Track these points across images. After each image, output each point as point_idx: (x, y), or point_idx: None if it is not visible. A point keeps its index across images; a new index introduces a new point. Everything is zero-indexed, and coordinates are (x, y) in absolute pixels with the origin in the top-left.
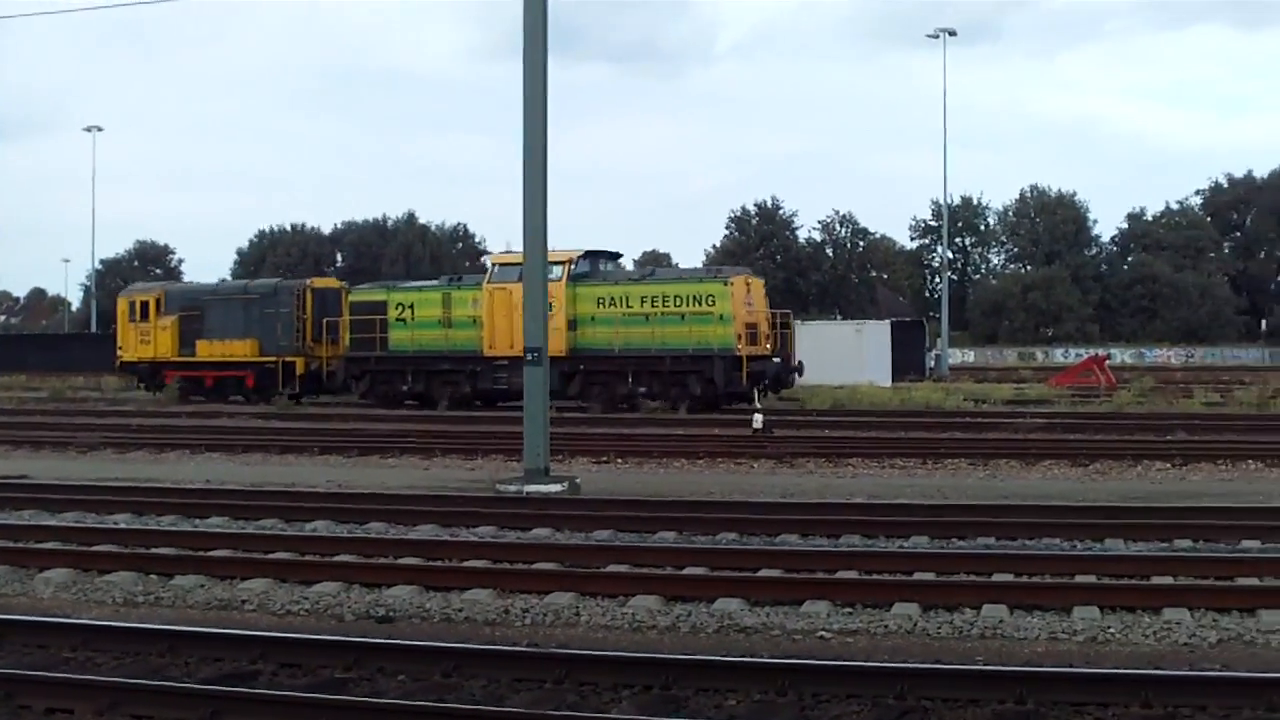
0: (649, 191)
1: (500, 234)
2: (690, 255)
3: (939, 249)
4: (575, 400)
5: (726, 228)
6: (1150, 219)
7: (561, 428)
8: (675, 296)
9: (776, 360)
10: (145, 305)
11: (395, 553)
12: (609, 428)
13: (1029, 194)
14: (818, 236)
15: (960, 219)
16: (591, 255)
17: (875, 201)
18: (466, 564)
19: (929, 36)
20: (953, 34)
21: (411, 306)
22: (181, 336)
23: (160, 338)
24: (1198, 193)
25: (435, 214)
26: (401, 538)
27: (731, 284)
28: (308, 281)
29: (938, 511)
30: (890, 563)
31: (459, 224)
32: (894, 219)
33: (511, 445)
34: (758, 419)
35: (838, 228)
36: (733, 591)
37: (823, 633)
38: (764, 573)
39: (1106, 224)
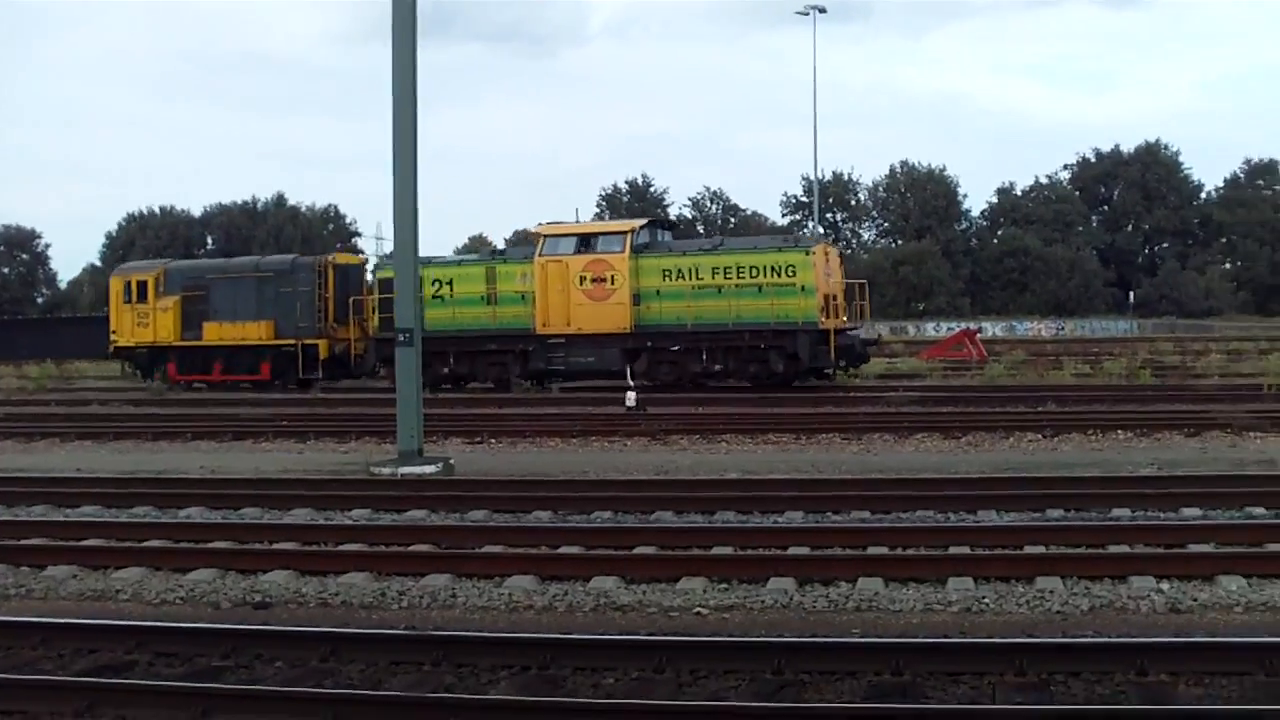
0: (520, 171)
1: (372, 215)
2: None
3: (810, 224)
4: (643, 381)
5: (597, 205)
6: (1019, 193)
7: (434, 409)
8: (752, 267)
9: (856, 333)
10: (143, 285)
11: (270, 538)
12: (482, 408)
13: (899, 169)
14: (689, 213)
15: (831, 194)
16: (651, 225)
17: (747, 178)
18: (342, 548)
19: (799, 14)
20: (822, 11)
21: (450, 282)
22: (184, 318)
23: (160, 320)
24: (1066, 167)
25: (306, 196)
26: (276, 522)
27: (813, 253)
28: (329, 256)
29: (811, 486)
30: (765, 538)
31: (330, 205)
32: (766, 195)
33: (385, 427)
34: (630, 397)
35: (709, 204)
36: (608, 570)
37: (699, 609)
38: (639, 550)
39: (976, 199)
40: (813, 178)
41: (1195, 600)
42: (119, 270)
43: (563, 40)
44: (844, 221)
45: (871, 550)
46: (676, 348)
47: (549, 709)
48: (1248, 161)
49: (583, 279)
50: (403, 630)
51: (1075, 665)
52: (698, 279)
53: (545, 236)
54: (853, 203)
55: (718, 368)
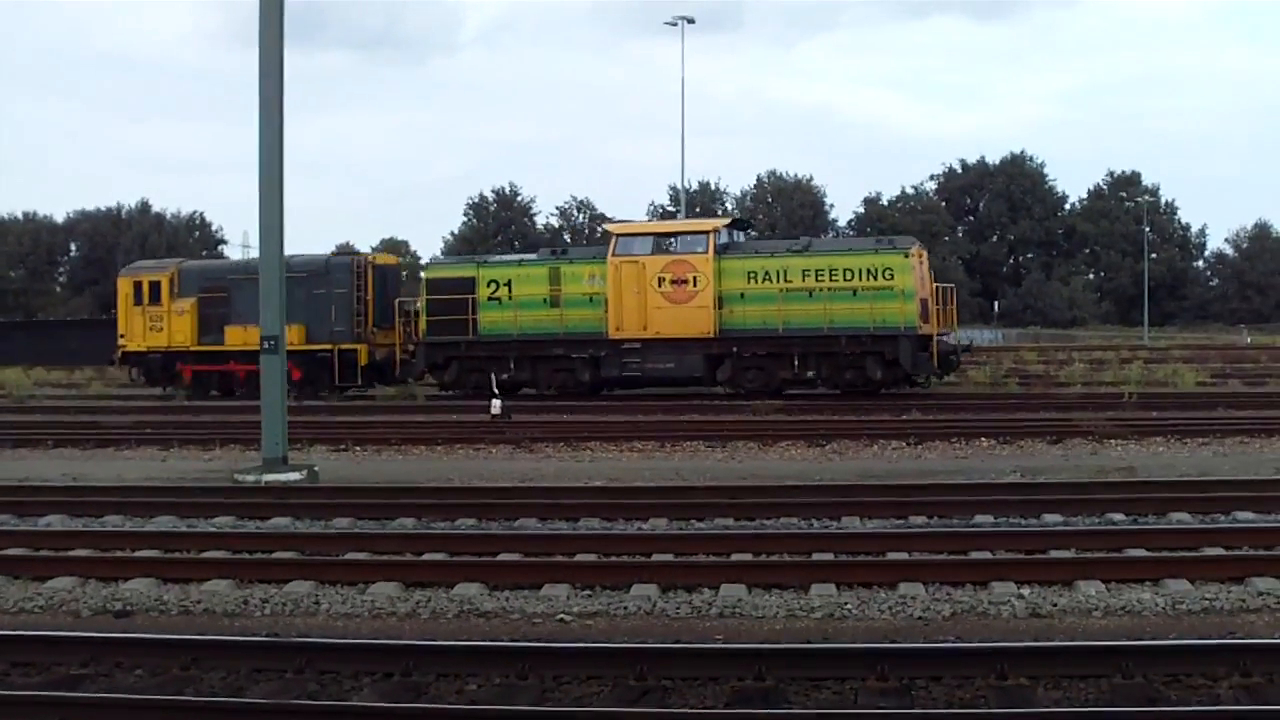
0: (389, 180)
1: (239, 222)
2: (428, 242)
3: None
4: (723, 388)
5: (465, 214)
6: (886, 204)
7: (299, 416)
8: (846, 270)
9: (945, 338)
10: (155, 286)
11: (132, 546)
12: (348, 415)
13: (766, 179)
14: (556, 222)
15: (698, 204)
16: (731, 225)
17: (615, 187)
18: (205, 555)
19: (667, 24)
20: (691, 21)
21: (509, 284)
22: (202, 322)
23: (175, 324)
24: (932, 178)
25: (170, 202)
26: (139, 530)
27: (911, 255)
28: (367, 256)
29: (676, 493)
30: (629, 545)
31: (196, 212)
32: (633, 204)
33: (249, 435)
34: (495, 404)
35: (575, 213)
36: (472, 576)
37: (563, 615)
38: (503, 557)
39: (843, 209)
40: (680, 187)
41: (1055, 605)
42: (128, 270)
43: (434, 47)
44: None
45: (735, 557)
46: (765, 353)
47: (411, 716)
48: (1111, 173)
49: (661, 280)
50: (265, 638)
51: (936, 670)
52: (786, 281)
53: (618, 235)
54: (719, 212)
55: (810, 374)
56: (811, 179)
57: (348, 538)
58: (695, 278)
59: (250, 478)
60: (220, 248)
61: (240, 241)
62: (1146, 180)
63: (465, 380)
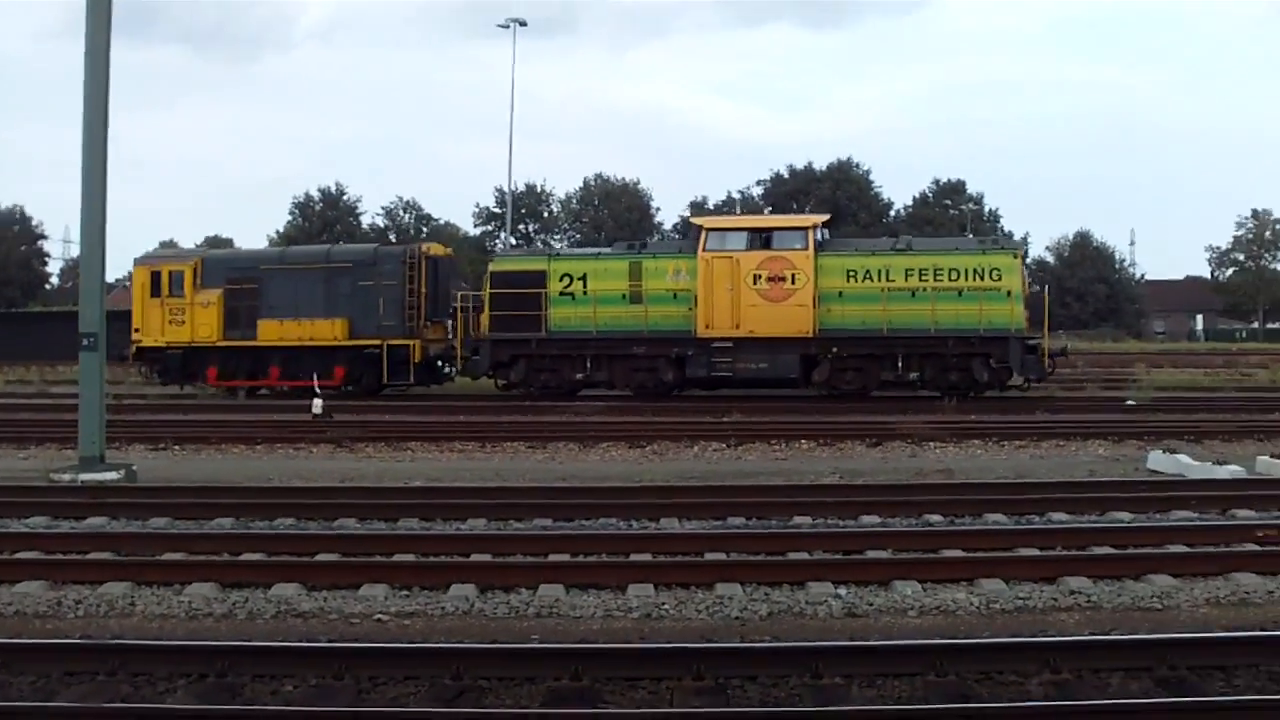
0: (217, 177)
1: (60, 219)
2: (254, 241)
3: (502, 235)
4: (820, 389)
5: (290, 213)
6: (712, 207)
7: (118, 414)
8: (951, 269)
9: (1037, 342)
10: (177, 276)
11: None
12: (168, 414)
13: (593, 182)
14: (382, 222)
15: (524, 206)
16: (827, 222)
17: (443, 188)
18: (17, 556)
19: (500, 26)
20: (523, 24)
21: (583, 278)
22: (229, 315)
23: (200, 317)
24: (759, 183)
25: None
26: None
27: (1018, 255)
28: (421, 246)
29: (495, 494)
30: (447, 545)
31: (15, 206)
32: (460, 205)
33: (66, 433)
34: (317, 404)
35: (402, 214)
36: (290, 576)
37: (380, 615)
38: (321, 557)
39: (670, 212)
40: (506, 189)
41: (871, 605)
42: (144, 259)
43: (266, 44)
44: (536, 233)
45: (553, 557)
46: (865, 354)
47: (226, 717)
48: (936, 181)
49: (757, 278)
50: (78, 640)
51: (752, 669)
52: (888, 280)
53: (709, 230)
54: (545, 214)
55: (914, 376)
56: (639, 182)
57: (165, 538)
58: (794, 275)
59: (66, 477)
60: (40, 243)
61: (62, 236)
62: (971, 189)
63: (534, 379)
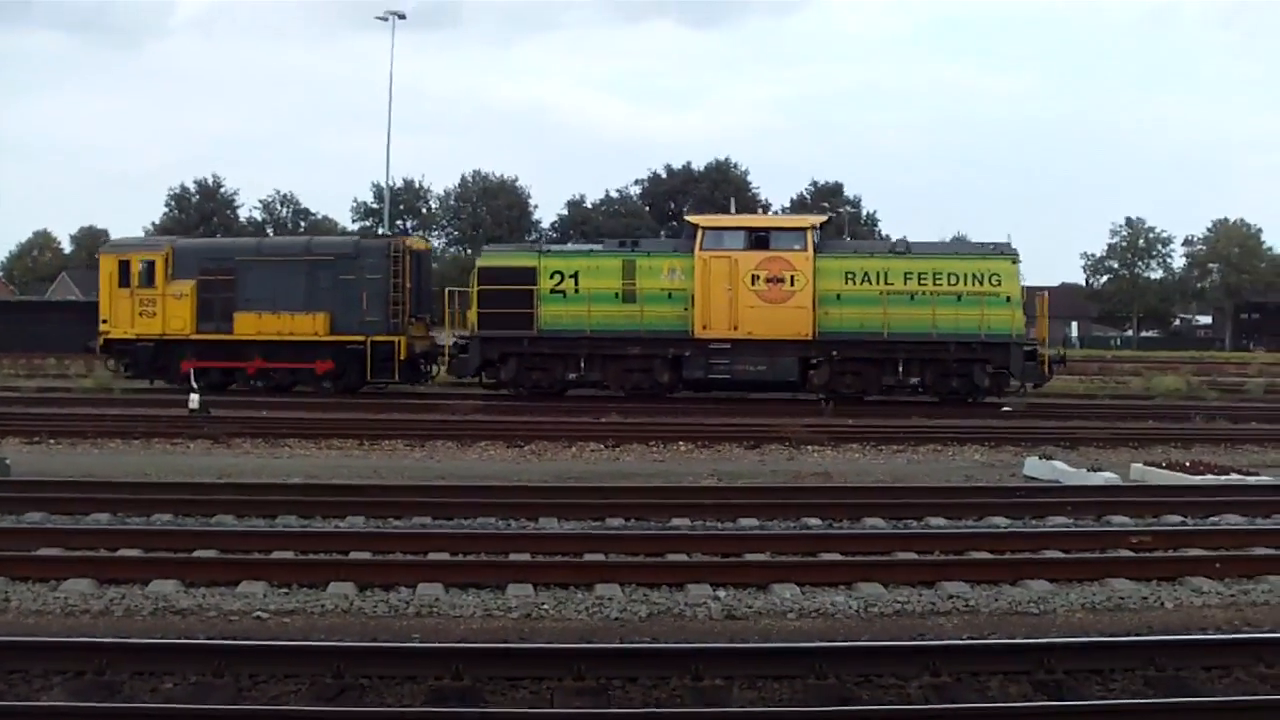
0: (93, 166)
1: None
2: (129, 233)
3: (380, 230)
4: (818, 394)
5: (166, 205)
6: (590, 206)
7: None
8: (950, 274)
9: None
10: (148, 266)
11: None
12: (43, 407)
13: (470, 178)
14: (259, 216)
15: (402, 201)
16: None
17: (321, 182)
18: None
19: (378, 19)
20: (402, 17)
21: (575, 275)
22: (202, 307)
23: (172, 309)
24: (637, 182)
25: None
26: None
27: (1019, 261)
28: (404, 239)
29: (374, 491)
30: (326, 542)
31: None
32: (338, 200)
33: None
34: (194, 399)
35: (279, 207)
36: (168, 573)
37: (259, 613)
38: (199, 554)
39: (548, 209)
40: (384, 184)
41: (750, 607)
42: (110, 247)
43: (146, 32)
44: (414, 229)
45: (433, 556)
46: (865, 358)
47: (102, 716)
48: (814, 183)
49: (755, 278)
50: None
51: (633, 670)
52: (887, 283)
53: (705, 229)
54: (424, 210)
55: (914, 380)
56: (517, 179)
57: (39, 532)
58: (793, 276)
59: None
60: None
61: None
62: (849, 192)
63: (524, 379)
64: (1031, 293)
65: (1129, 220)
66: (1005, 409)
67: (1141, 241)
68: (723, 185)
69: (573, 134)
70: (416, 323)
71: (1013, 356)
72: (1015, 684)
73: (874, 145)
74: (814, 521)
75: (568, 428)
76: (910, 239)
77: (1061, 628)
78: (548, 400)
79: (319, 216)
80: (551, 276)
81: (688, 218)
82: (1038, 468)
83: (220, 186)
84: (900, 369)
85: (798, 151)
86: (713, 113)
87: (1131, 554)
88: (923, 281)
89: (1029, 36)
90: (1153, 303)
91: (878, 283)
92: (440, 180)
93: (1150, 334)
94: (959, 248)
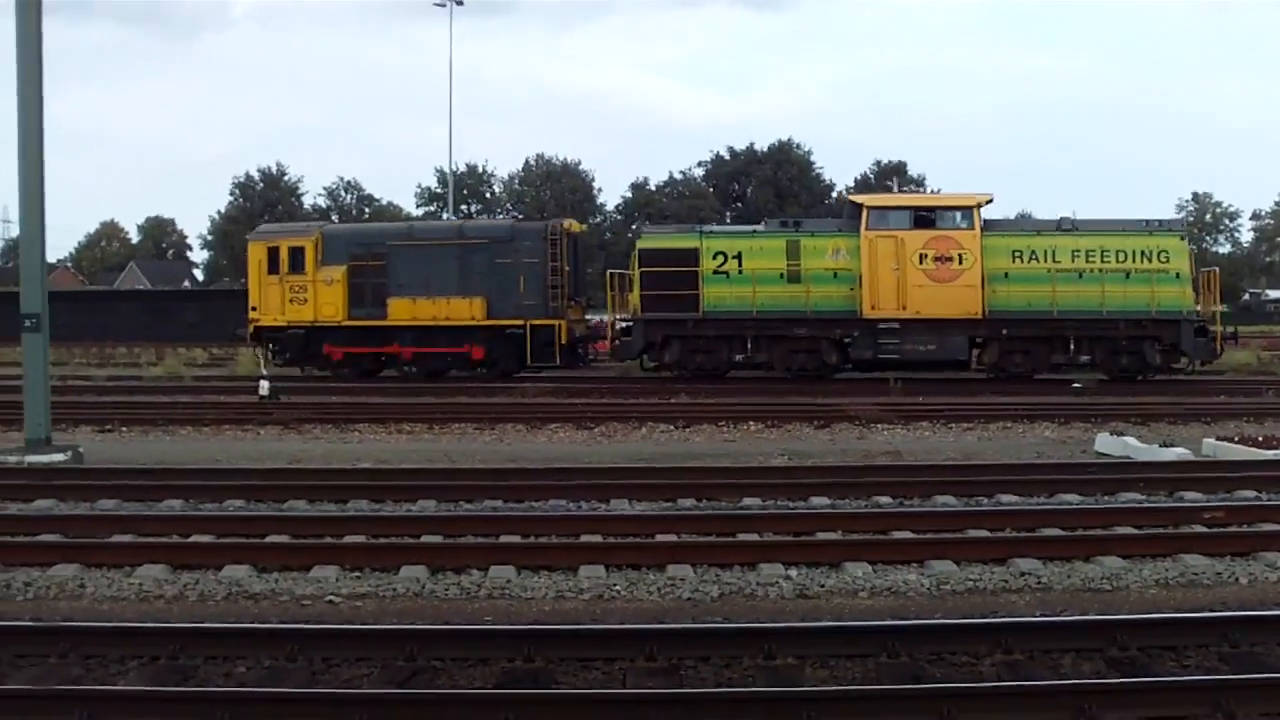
0: (155, 156)
1: None
2: (194, 222)
3: (444, 216)
4: (988, 372)
5: (230, 194)
6: (654, 188)
7: (63, 396)
8: (1119, 251)
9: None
10: (297, 252)
11: None
12: (114, 395)
13: (534, 162)
14: (324, 203)
15: (466, 186)
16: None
17: (383, 169)
18: None
19: (436, 5)
20: (460, 3)
21: (738, 256)
22: (353, 293)
23: (323, 295)
24: (700, 164)
25: None
26: None
27: (1186, 237)
28: (562, 222)
29: (444, 475)
30: (397, 526)
31: None
32: (401, 186)
33: (11, 415)
34: (264, 385)
35: (343, 194)
36: (240, 558)
37: (331, 597)
38: (271, 539)
39: (611, 192)
40: (448, 169)
41: (822, 586)
42: (258, 233)
43: (205, 24)
44: (479, 214)
45: (504, 538)
46: (1033, 336)
47: (179, 699)
48: (877, 163)
49: (923, 257)
50: (28, 622)
51: (704, 650)
52: (1054, 261)
53: (870, 208)
54: (488, 195)
55: (1084, 358)
56: (580, 163)
57: (113, 519)
58: (961, 255)
59: (12, 459)
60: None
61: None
62: (913, 170)
63: (688, 361)
64: (1201, 269)
65: (1195, 195)
66: (1075, 386)
67: (1209, 216)
68: (785, 166)
69: (633, 117)
70: (574, 306)
71: (1183, 333)
72: (1088, 661)
73: (936, 124)
74: (885, 500)
75: (637, 409)
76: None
77: (1134, 604)
78: (707, 383)
79: (383, 202)
80: (714, 257)
81: (851, 197)
82: (1109, 444)
83: (284, 174)
84: (1070, 347)
85: (859, 131)
86: (773, 94)
87: (1204, 530)
88: (1090, 259)
89: (1091, 13)
90: (1221, 277)
91: (1045, 260)
92: (504, 164)
93: (1217, 309)
94: (1126, 225)
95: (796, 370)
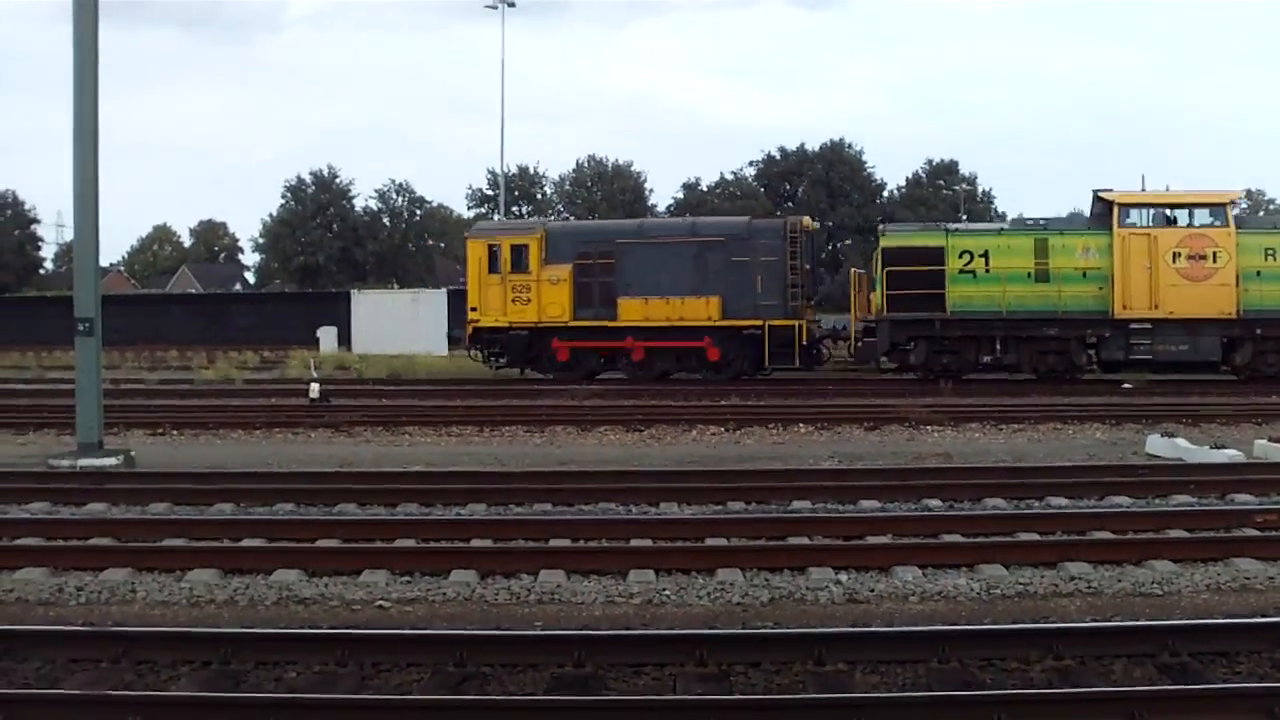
0: (208, 160)
1: (53, 203)
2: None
3: (496, 217)
4: (1239, 374)
5: (282, 197)
6: (705, 189)
7: (116, 399)
8: None
9: None
10: (520, 250)
11: None
12: (165, 399)
13: (586, 163)
14: (375, 205)
15: (517, 188)
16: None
17: (435, 171)
18: (18, 542)
19: (488, 7)
20: (511, 4)
21: (984, 255)
22: (578, 293)
23: (548, 295)
24: (752, 164)
25: None
26: None
27: None
28: (801, 219)
29: (494, 479)
30: (447, 530)
31: (7, 191)
32: (452, 188)
33: (64, 419)
34: (314, 388)
35: (395, 196)
36: (291, 563)
37: (381, 602)
38: (322, 543)
39: (663, 193)
40: (499, 171)
41: (872, 591)
42: (477, 231)
43: (259, 27)
44: (530, 215)
45: (554, 543)
46: None
47: (230, 704)
48: (929, 161)
49: (1176, 256)
50: (81, 627)
51: (755, 655)
52: None
53: (1121, 205)
54: (539, 196)
55: None
56: (632, 164)
57: (165, 524)
58: (1215, 253)
59: (65, 463)
60: (33, 227)
61: (55, 221)
62: (964, 170)
63: (934, 362)
64: None
65: (1249, 192)
66: (1125, 386)
67: (1262, 213)
68: (837, 166)
69: (684, 117)
70: (809, 306)
71: None
72: (1140, 667)
73: (988, 123)
74: (935, 503)
75: (687, 411)
76: (1014, 214)
77: (1186, 609)
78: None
79: (434, 204)
80: (960, 256)
81: (1102, 195)
82: (1160, 445)
83: (335, 177)
84: None
85: (910, 130)
86: (824, 94)
87: (1257, 533)
88: None
89: (1140, 10)
90: None
91: None
92: (555, 165)
93: None
94: None
95: (1045, 372)
